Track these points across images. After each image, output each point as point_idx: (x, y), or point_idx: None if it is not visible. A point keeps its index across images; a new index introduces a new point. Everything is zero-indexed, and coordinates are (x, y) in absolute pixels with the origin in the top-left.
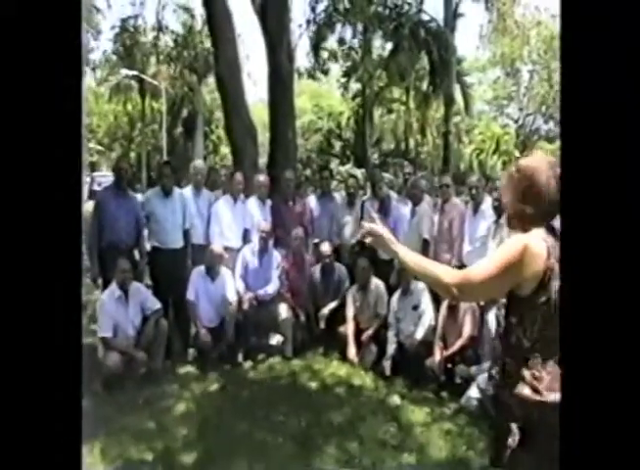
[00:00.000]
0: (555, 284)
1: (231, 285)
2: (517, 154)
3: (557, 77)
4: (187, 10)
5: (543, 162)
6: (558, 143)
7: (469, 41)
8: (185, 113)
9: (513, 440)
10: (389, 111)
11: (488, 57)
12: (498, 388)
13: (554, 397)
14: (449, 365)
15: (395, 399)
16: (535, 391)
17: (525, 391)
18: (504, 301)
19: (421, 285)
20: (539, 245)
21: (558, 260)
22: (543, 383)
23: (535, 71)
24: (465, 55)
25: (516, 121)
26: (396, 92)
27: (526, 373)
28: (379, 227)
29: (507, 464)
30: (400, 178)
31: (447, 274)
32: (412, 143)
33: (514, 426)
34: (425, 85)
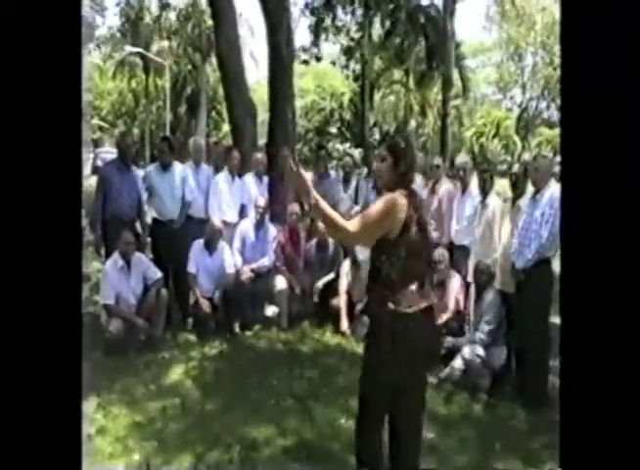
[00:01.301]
0: (413, 229)
1: (228, 258)
2: (516, 138)
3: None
4: None
5: (402, 144)
6: (558, 129)
7: (474, 23)
8: (189, 90)
9: (387, 342)
10: (390, 92)
11: (493, 40)
12: (372, 307)
13: (413, 310)
14: None
15: None
16: (399, 306)
17: (392, 306)
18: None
19: None
20: (402, 200)
21: (415, 212)
22: (406, 301)
23: (539, 55)
24: (467, 38)
25: (519, 105)
26: (397, 74)
27: (394, 294)
28: (306, 174)
29: (384, 363)
30: None
31: (350, 224)
32: (412, 124)
33: (386, 332)
34: (424, 68)
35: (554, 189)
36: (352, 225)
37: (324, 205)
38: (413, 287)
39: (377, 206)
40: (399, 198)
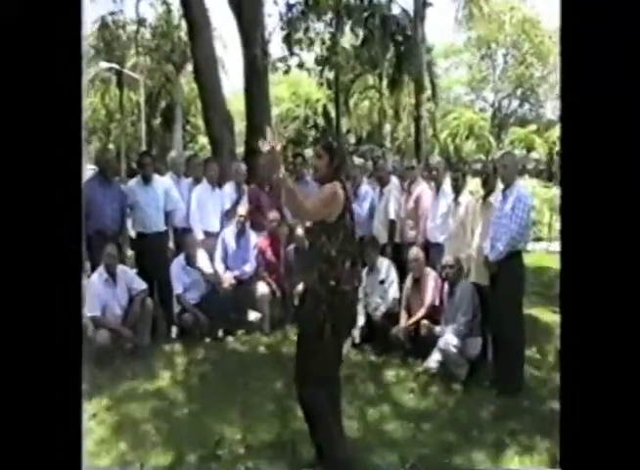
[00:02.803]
0: (347, 215)
1: (209, 267)
2: (491, 138)
3: (530, 59)
4: (164, 3)
5: (335, 144)
6: (530, 127)
7: (445, 25)
8: (163, 103)
9: (323, 314)
10: (364, 97)
11: (464, 40)
12: (313, 284)
13: (349, 287)
14: (413, 334)
15: None
16: (338, 282)
17: (333, 283)
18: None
19: (386, 262)
20: (340, 190)
21: (347, 200)
22: (343, 277)
23: (509, 54)
24: (438, 40)
25: (492, 105)
26: (371, 79)
27: (332, 272)
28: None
29: (317, 330)
30: (370, 163)
31: (307, 201)
32: (387, 129)
33: (323, 308)
34: (396, 73)
35: (521, 184)
36: (309, 203)
37: (289, 180)
38: (348, 264)
39: (324, 191)
40: (338, 188)
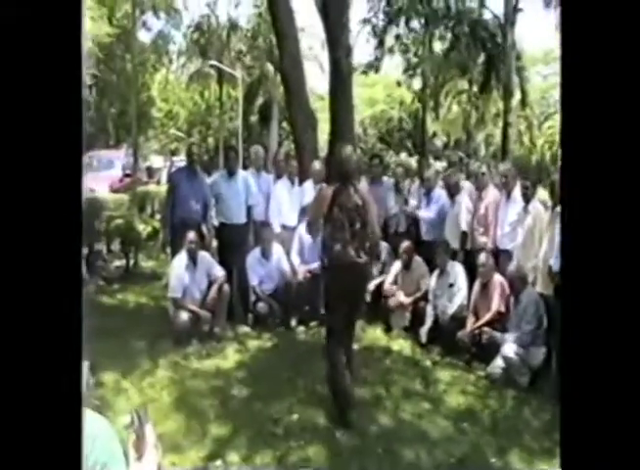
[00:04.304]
0: (336, 210)
1: (284, 261)
2: None
3: None
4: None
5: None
6: None
7: (546, 30)
8: (261, 100)
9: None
10: (457, 102)
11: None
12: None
13: (340, 263)
14: (478, 338)
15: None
16: (329, 260)
17: (325, 261)
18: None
19: (458, 266)
20: (329, 191)
21: (334, 200)
22: (332, 257)
23: None
24: (538, 46)
25: None
26: (460, 84)
27: (323, 254)
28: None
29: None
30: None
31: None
32: (481, 134)
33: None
34: (486, 79)
35: None
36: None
37: None
38: (338, 247)
39: (322, 191)
40: (326, 190)
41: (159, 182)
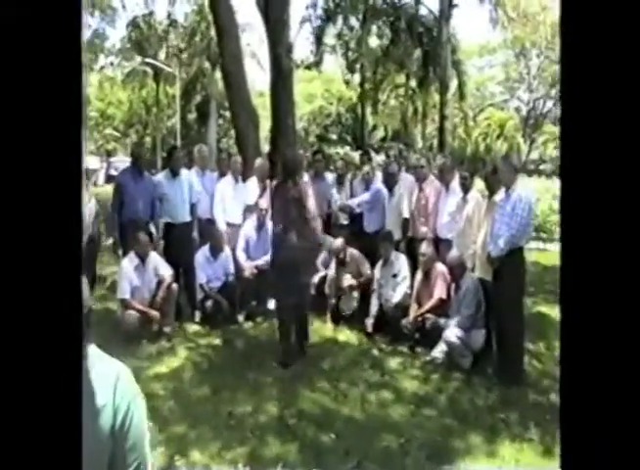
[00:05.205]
0: (277, 203)
1: (231, 258)
2: (519, 139)
3: None
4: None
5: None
6: None
7: (480, 24)
8: (198, 98)
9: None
10: (394, 96)
11: (498, 40)
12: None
13: (293, 244)
14: (421, 325)
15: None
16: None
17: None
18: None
19: (401, 257)
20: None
21: (283, 195)
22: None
23: (544, 54)
24: (473, 38)
25: (527, 104)
26: (398, 78)
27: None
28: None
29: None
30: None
31: None
32: (416, 127)
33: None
34: (423, 73)
35: (521, 185)
36: None
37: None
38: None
39: None
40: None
41: (95, 183)
